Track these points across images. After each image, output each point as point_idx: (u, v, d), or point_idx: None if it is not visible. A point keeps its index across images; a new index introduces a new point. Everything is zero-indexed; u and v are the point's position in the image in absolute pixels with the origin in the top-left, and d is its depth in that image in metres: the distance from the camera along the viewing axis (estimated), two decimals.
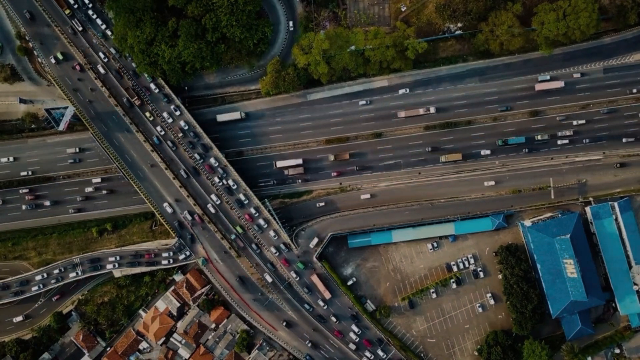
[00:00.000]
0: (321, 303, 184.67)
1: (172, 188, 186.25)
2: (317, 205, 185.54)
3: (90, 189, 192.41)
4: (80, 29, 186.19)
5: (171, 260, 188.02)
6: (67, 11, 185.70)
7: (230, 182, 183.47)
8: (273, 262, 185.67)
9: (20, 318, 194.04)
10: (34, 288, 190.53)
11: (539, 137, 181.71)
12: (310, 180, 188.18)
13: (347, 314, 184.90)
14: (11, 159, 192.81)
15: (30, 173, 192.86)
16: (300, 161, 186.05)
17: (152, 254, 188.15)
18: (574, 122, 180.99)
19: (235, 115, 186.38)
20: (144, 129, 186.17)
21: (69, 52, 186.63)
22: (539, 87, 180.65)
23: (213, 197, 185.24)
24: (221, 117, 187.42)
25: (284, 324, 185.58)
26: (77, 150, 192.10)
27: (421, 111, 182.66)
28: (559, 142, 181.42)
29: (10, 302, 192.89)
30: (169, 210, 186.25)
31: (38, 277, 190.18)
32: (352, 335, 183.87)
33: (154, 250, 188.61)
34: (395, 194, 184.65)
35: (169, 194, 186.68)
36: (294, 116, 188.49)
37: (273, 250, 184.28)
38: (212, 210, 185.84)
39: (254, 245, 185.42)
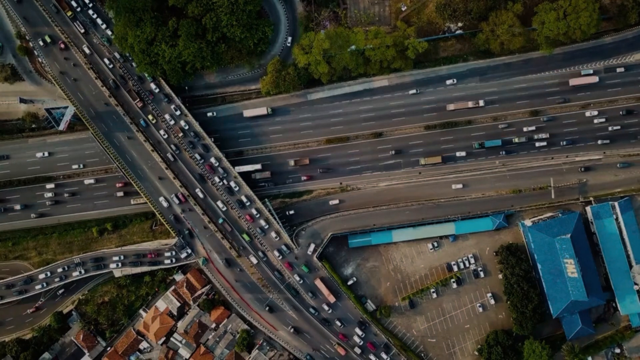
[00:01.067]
0: (325, 307, 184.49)
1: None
2: (330, 203, 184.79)
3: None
4: (83, 31, 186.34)
5: (174, 260, 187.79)
6: (69, 13, 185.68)
7: (232, 184, 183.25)
8: (280, 269, 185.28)
9: (32, 309, 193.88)
10: (38, 286, 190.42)
11: (516, 140, 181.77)
12: (311, 180, 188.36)
13: (351, 318, 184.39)
14: (46, 153, 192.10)
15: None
16: (258, 166, 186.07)
17: (154, 254, 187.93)
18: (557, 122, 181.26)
19: (262, 111, 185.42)
20: (154, 141, 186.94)
21: (57, 36, 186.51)
22: (575, 82, 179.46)
23: (219, 203, 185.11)
24: (248, 113, 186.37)
25: (292, 330, 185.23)
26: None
27: (470, 104, 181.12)
28: (537, 144, 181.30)
29: (11, 301, 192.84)
30: (166, 205, 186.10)
31: (42, 276, 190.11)
32: (356, 338, 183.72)
33: (156, 250, 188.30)
34: (393, 194, 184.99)
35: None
36: (294, 116, 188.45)
37: (276, 254, 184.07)
38: (221, 218, 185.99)
39: (260, 253, 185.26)
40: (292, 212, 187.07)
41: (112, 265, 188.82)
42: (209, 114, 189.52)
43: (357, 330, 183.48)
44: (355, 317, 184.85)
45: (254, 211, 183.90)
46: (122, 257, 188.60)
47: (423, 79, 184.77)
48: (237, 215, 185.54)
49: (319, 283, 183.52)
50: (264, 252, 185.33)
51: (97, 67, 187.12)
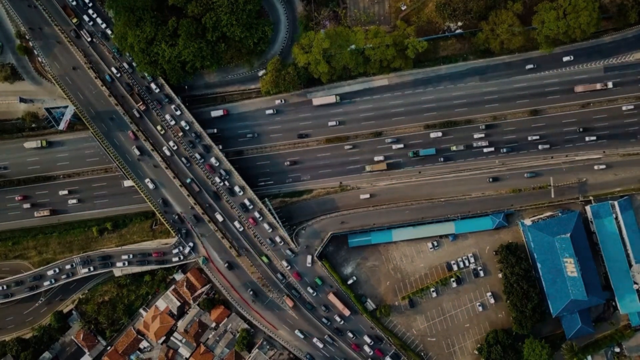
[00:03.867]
0: (338, 318, 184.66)
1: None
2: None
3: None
4: (90, 39, 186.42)
5: (181, 257, 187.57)
6: (74, 20, 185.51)
7: (237, 189, 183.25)
8: (296, 288, 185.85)
9: (42, 300, 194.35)
10: (46, 283, 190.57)
11: (454, 148, 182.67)
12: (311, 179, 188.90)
13: (363, 330, 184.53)
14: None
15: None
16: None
17: (160, 253, 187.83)
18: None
19: (331, 99, 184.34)
20: (162, 153, 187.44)
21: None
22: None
23: (236, 224, 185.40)
24: (317, 101, 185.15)
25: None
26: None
27: (598, 86, 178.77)
28: (485, 150, 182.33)
29: (12, 300, 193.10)
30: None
31: (50, 272, 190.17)
32: (366, 348, 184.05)
33: (159, 249, 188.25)
34: (394, 194, 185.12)
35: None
36: (294, 115, 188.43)
37: (285, 263, 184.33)
38: (239, 241, 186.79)
39: (279, 275, 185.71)
40: (292, 211, 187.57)
41: (119, 264, 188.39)
42: (214, 113, 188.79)
43: (366, 339, 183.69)
44: (367, 330, 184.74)
45: (256, 214, 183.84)
46: (130, 256, 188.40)
47: (423, 78, 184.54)
48: (248, 226, 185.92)
49: (332, 298, 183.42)
50: (283, 275, 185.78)
51: (97, 66, 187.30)
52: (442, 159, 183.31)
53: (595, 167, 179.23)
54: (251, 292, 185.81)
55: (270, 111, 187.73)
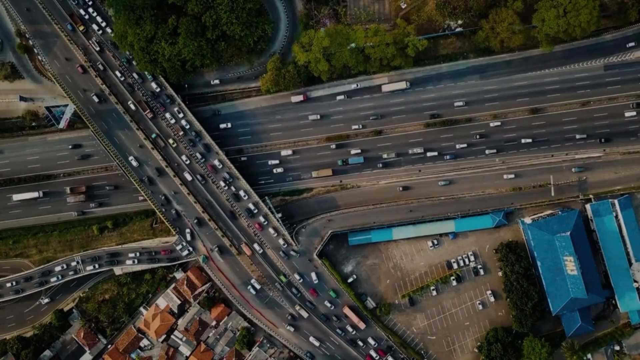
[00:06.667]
0: (350, 328, 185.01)
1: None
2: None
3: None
4: (98, 49, 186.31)
5: (189, 251, 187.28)
6: (81, 27, 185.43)
7: (242, 193, 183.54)
8: (310, 300, 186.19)
9: (42, 298, 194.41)
10: (53, 279, 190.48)
11: (385, 156, 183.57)
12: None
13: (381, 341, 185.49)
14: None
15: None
16: (36, 194, 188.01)
17: (168, 250, 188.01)
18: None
19: (401, 85, 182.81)
20: (175, 166, 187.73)
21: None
22: None
23: (256, 246, 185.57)
24: (386, 87, 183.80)
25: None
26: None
27: None
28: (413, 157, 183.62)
29: (11, 299, 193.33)
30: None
31: (58, 268, 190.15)
32: (372, 353, 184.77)
33: (165, 247, 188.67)
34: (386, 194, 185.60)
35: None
36: (294, 114, 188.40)
37: (297, 277, 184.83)
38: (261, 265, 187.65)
39: (294, 290, 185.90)
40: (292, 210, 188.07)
41: (129, 262, 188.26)
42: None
43: (370, 340, 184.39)
44: (382, 342, 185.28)
45: (261, 219, 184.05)
46: (138, 254, 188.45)
47: (423, 76, 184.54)
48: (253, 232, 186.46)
49: (347, 311, 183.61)
50: (298, 290, 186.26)
51: (110, 80, 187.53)
52: (380, 165, 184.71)
53: (505, 176, 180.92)
54: (250, 288, 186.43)
55: (342, 97, 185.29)
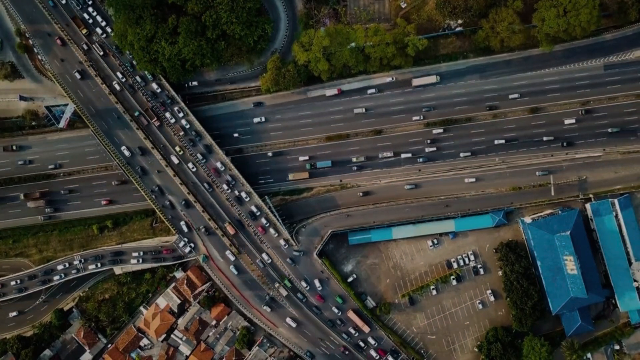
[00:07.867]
0: (352, 330, 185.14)
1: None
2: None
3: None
4: (102, 53, 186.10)
5: (191, 248, 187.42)
6: (84, 31, 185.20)
7: (244, 194, 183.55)
8: (319, 307, 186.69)
9: (42, 298, 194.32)
10: (56, 277, 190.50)
11: (355, 160, 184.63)
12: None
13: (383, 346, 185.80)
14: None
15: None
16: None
17: (170, 250, 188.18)
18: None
19: (432, 79, 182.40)
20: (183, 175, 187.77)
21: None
22: None
23: (264, 255, 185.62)
24: (417, 82, 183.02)
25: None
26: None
27: None
28: (403, 156, 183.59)
29: (12, 298, 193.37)
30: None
31: (60, 267, 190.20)
32: (373, 353, 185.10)
33: (170, 246, 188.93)
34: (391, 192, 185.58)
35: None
36: (294, 113, 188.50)
37: (304, 284, 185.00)
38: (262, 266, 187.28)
39: (299, 295, 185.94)
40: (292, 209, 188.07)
41: (133, 261, 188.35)
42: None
43: (370, 340, 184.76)
44: (382, 341, 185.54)
45: (263, 221, 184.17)
46: (141, 253, 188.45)
47: (422, 75, 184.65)
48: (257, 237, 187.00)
49: (352, 315, 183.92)
50: (304, 296, 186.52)
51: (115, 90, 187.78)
52: (355, 168, 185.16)
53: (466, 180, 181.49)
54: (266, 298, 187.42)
55: (373, 90, 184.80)
